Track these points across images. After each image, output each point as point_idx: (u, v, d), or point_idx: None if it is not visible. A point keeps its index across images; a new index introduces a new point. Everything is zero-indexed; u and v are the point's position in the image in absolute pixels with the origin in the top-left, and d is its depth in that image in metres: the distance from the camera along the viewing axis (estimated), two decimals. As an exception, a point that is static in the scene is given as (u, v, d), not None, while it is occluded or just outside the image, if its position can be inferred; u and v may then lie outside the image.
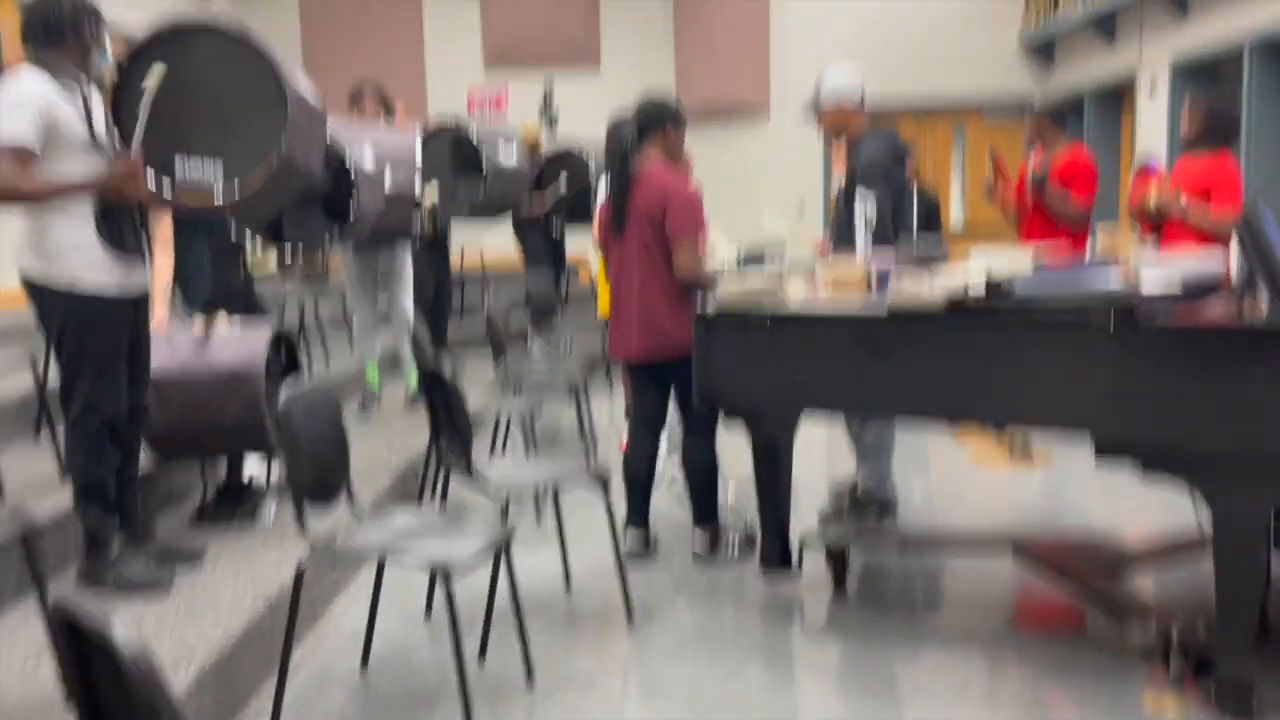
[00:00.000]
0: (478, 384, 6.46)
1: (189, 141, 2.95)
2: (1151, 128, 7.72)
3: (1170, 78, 7.41)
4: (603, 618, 3.48)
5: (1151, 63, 7.71)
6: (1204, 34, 7.00)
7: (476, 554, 2.64)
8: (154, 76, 2.86)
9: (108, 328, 3.00)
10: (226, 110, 2.99)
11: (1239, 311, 2.63)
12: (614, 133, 3.84)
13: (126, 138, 2.93)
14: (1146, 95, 7.79)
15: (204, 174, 2.96)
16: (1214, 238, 4.15)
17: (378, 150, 4.55)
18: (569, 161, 7.59)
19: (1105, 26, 8.28)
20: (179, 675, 2.51)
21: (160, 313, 3.66)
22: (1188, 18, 7.16)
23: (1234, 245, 2.77)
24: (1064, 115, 5.41)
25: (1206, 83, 7.19)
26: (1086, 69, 8.86)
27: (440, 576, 2.54)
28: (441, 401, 3.27)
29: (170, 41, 2.99)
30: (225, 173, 2.96)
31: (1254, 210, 2.65)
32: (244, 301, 4.51)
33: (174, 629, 2.79)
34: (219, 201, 2.97)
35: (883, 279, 3.23)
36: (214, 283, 4.47)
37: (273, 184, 3.00)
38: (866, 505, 4.23)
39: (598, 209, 4.65)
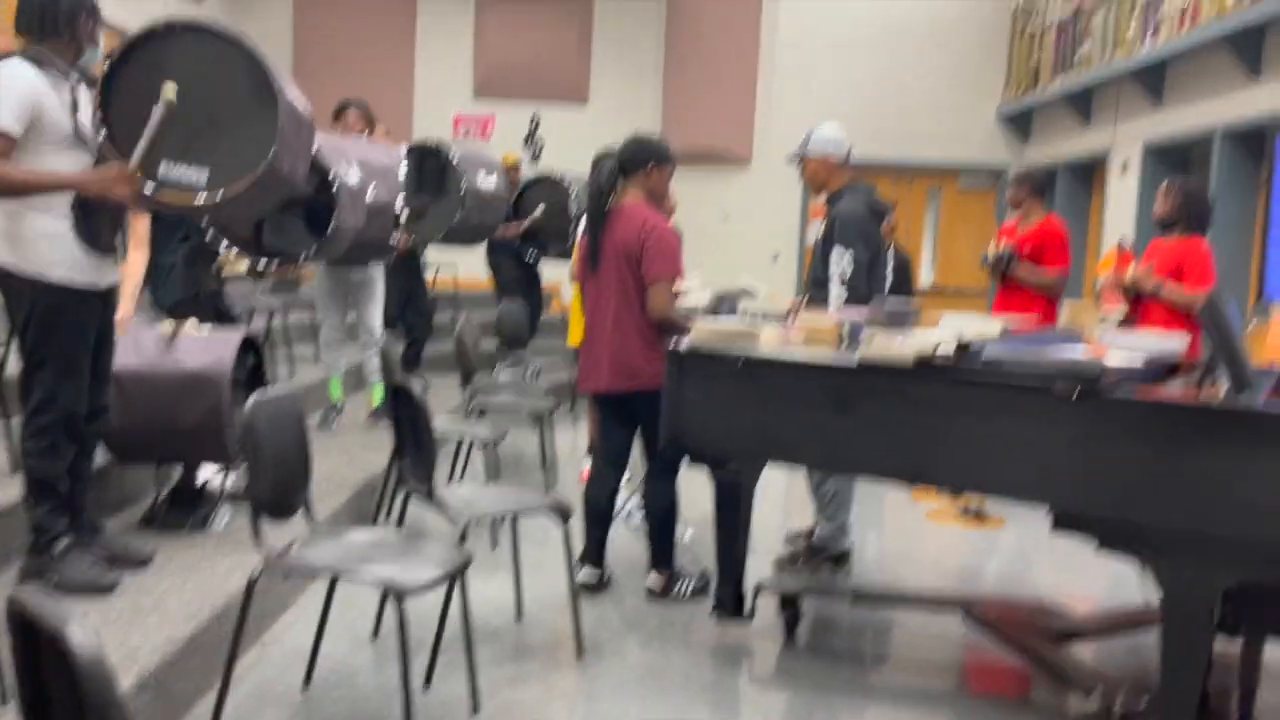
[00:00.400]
0: (443, 406, 6.44)
1: (176, 145, 2.92)
2: (1121, 204, 7.92)
3: (1142, 158, 7.61)
4: (552, 650, 3.46)
5: (1124, 143, 7.92)
6: (1176, 120, 7.21)
7: (432, 579, 2.62)
8: (167, 95, 2.83)
9: (74, 321, 2.96)
10: (216, 114, 2.95)
11: (1198, 392, 2.70)
12: (596, 167, 3.88)
13: (115, 138, 2.90)
14: (1118, 173, 7.99)
15: (188, 177, 2.93)
16: (1186, 317, 4.27)
17: (364, 165, 4.55)
18: (549, 186, 7.62)
19: (1081, 106, 8.50)
20: (118, 680, 2.47)
21: (125, 310, 3.62)
22: (1161, 104, 7.38)
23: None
24: (1043, 186, 5.56)
25: (1177, 165, 7.39)
26: (1061, 144, 9.08)
27: (392, 599, 2.52)
28: (407, 419, 3.25)
29: (164, 39, 2.95)
30: (210, 179, 2.94)
31: (1216, 296, 2.73)
32: (214, 307, 4.46)
33: (117, 632, 2.74)
34: (201, 205, 2.95)
35: (854, 333, 3.28)
36: (185, 286, 4.41)
37: (256, 191, 2.99)
38: (822, 555, 4.26)
39: (578, 242, 4.68)
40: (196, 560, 3.37)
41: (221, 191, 2.93)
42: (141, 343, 3.57)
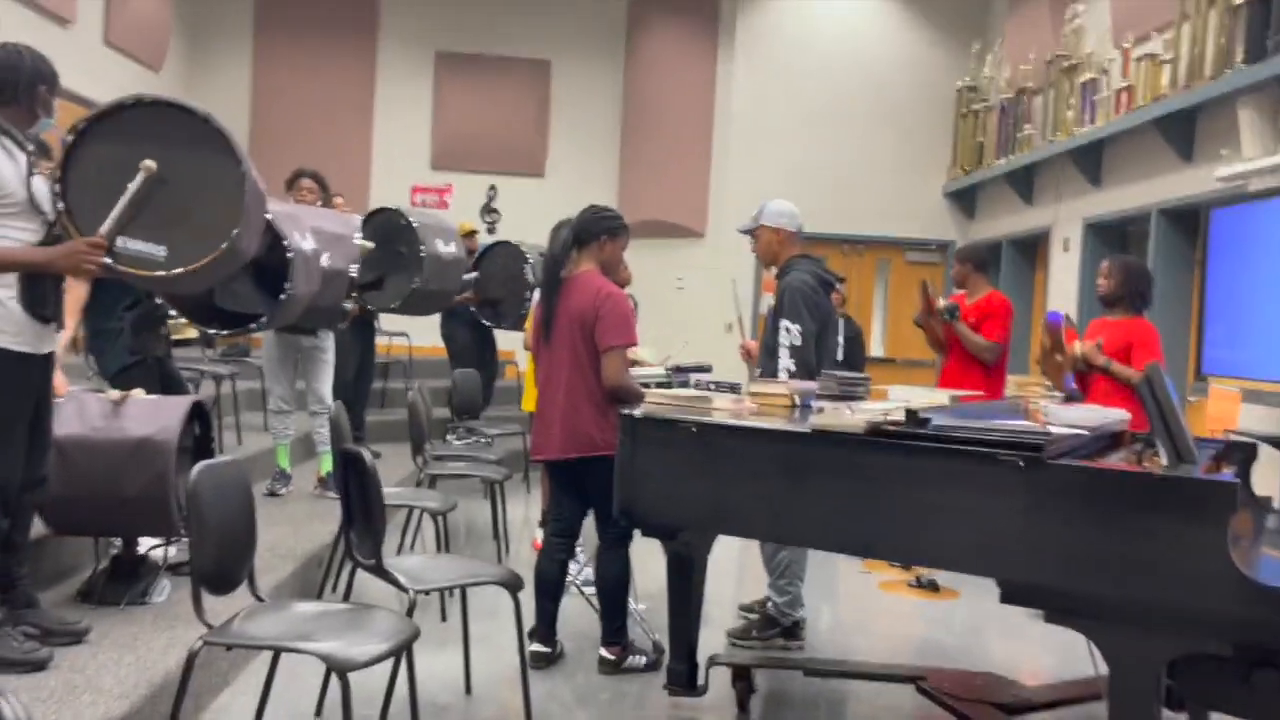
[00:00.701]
0: (394, 475, 6.36)
1: (136, 222, 2.89)
2: (1064, 280, 8.13)
3: (1082, 235, 7.85)
4: (501, 727, 3.39)
5: (1065, 220, 8.17)
6: (1114, 199, 7.47)
7: (378, 654, 2.56)
8: (142, 174, 2.82)
9: (15, 388, 2.91)
10: (178, 188, 2.92)
11: (1139, 463, 2.76)
12: (553, 237, 3.92)
13: (72, 209, 2.87)
14: (1060, 249, 8.23)
15: (147, 251, 2.91)
16: (1132, 395, 4.36)
17: (317, 233, 4.55)
18: (505, 253, 7.62)
19: (1023, 184, 8.78)
20: (47, 761, 2.38)
21: (58, 377, 3.56)
22: (1100, 183, 7.64)
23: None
24: (985, 261, 5.72)
25: (1116, 242, 7.64)
26: (1005, 221, 9.34)
27: (338, 675, 2.46)
28: (356, 488, 3.21)
29: (131, 112, 2.95)
30: (169, 256, 2.91)
31: (1155, 371, 2.81)
32: (161, 373, 4.40)
33: (49, 710, 2.65)
34: (158, 278, 2.93)
35: (806, 403, 3.32)
36: (131, 352, 4.35)
37: (214, 265, 2.98)
38: (775, 627, 4.24)
39: (532, 310, 4.70)
40: (134, 635, 3.27)
41: (181, 269, 2.91)
42: (86, 409, 3.50)
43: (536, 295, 5.02)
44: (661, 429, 3.26)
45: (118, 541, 3.74)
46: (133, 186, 2.81)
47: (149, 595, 3.62)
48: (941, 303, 5.45)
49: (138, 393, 3.66)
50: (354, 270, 4.92)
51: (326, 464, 5.59)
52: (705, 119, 10.30)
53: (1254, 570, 2.38)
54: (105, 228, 2.81)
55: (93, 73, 8.09)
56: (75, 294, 3.86)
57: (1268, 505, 3.25)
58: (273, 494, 5.50)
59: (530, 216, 10.17)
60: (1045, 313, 5.09)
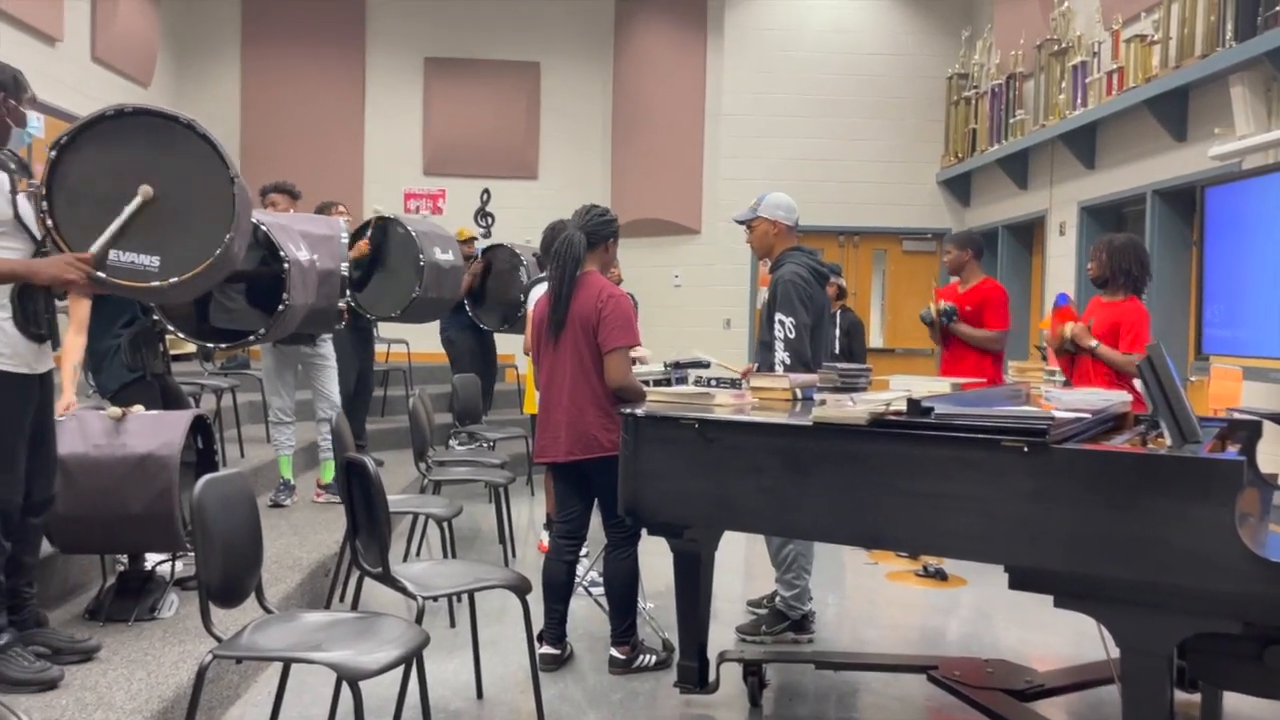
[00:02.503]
0: (398, 482, 6.36)
1: (127, 234, 2.88)
2: (1061, 264, 8.13)
3: (1078, 218, 7.85)
4: (514, 730, 3.39)
5: (1060, 204, 8.17)
6: (1108, 181, 7.46)
7: (388, 661, 2.56)
8: (139, 199, 2.81)
9: (12, 408, 2.90)
10: (167, 198, 2.92)
11: (1143, 445, 2.75)
12: (564, 240, 3.83)
13: (59, 223, 2.86)
14: (1056, 233, 8.22)
15: (140, 263, 2.90)
16: (1119, 378, 4.36)
17: (306, 237, 4.53)
18: (502, 255, 7.78)
19: (1017, 170, 8.77)
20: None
21: (68, 397, 3.56)
22: (1094, 166, 7.64)
23: (1139, 385, 2.90)
24: (980, 248, 5.72)
25: (1111, 224, 7.63)
26: (1000, 206, 9.33)
27: (349, 684, 2.45)
28: (361, 496, 3.20)
29: (114, 122, 2.93)
30: (162, 266, 2.90)
31: (1157, 351, 2.80)
32: (161, 389, 4.39)
33: (59, 730, 2.64)
34: (152, 289, 2.92)
35: (808, 395, 3.31)
36: (130, 369, 4.35)
37: (206, 274, 2.97)
38: (784, 620, 4.23)
39: (531, 313, 4.69)
40: (144, 650, 3.27)
41: (175, 278, 2.90)
42: (88, 427, 3.49)
43: (534, 297, 5.02)
44: (664, 427, 3.26)
45: (124, 558, 3.74)
46: (129, 209, 2.80)
47: (157, 610, 3.62)
48: (940, 306, 5.46)
49: (138, 409, 3.65)
50: (344, 269, 4.91)
51: (328, 472, 5.59)
52: (696, 115, 10.28)
53: (1262, 548, 2.38)
54: (96, 247, 2.79)
55: (82, 89, 8.09)
56: (79, 311, 3.85)
57: (1273, 482, 3.24)
58: (277, 505, 5.50)
59: (524, 219, 10.20)
60: (1047, 297, 5.12)
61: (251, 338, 4.25)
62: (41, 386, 3.03)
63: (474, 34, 10.72)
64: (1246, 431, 3.40)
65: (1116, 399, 3.29)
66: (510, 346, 8.57)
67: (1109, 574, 2.54)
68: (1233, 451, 3.00)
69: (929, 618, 4.79)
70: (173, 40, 10.22)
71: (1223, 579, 2.39)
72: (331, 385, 5.60)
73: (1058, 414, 2.79)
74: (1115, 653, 2.62)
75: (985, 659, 3.77)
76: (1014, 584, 2.71)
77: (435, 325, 7.88)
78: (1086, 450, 2.63)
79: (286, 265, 4.15)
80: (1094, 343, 4.47)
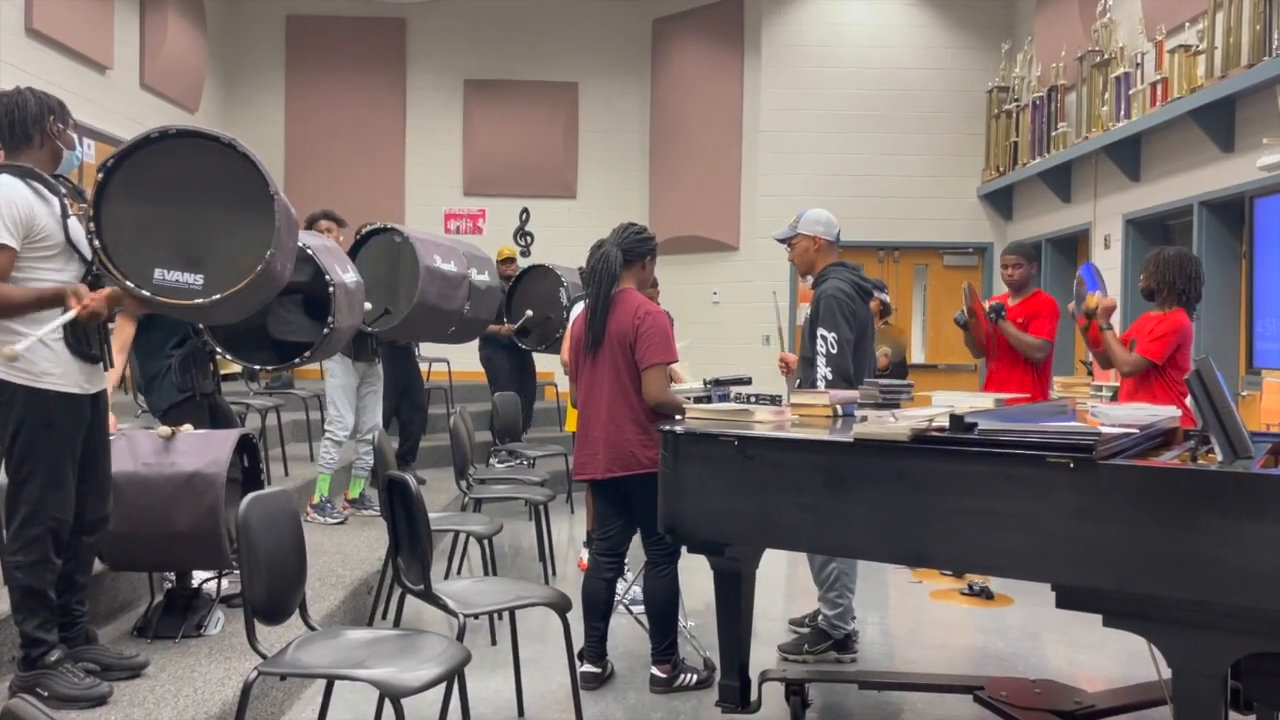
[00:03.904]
0: (439, 500, 6.40)
1: (171, 254, 2.94)
2: (1106, 276, 7.98)
3: (1123, 231, 7.74)
4: (555, 749, 3.38)
5: (1105, 217, 8.06)
6: (1154, 194, 7.35)
7: (430, 679, 2.57)
8: (71, 313, 2.82)
9: (65, 428, 2.95)
10: (211, 220, 2.97)
11: (1193, 461, 2.70)
12: (600, 257, 3.87)
13: (107, 246, 2.91)
14: (1101, 246, 8.11)
15: (184, 282, 2.95)
16: (1106, 369, 4.37)
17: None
18: (542, 275, 7.66)
19: (1060, 183, 8.67)
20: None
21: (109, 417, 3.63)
22: (1139, 178, 7.53)
23: (1189, 402, 2.85)
24: (1036, 259, 5.67)
25: (1158, 237, 7.51)
26: (1043, 220, 9.23)
27: (391, 701, 2.47)
28: (403, 515, 3.23)
29: (158, 145, 2.99)
30: (206, 284, 2.95)
31: (1206, 365, 2.75)
32: (210, 408, 4.46)
33: (108, 745, 2.68)
34: (197, 307, 2.97)
35: (849, 412, 3.29)
36: (180, 389, 4.42)
37: (249, 291, 3.01)
38: (827, 640, 4.19)
39: (569, 330, 4.71)
40: (191, 667, 3.31)
41: (219, 294, 2.94)
42: (137, 446, 3.56)
43: (573, 314, 5.04)
44: (703, 444, 3.25)
45: (172, 575, 3.79)
46: (61, 320, 2.82)
47: (204, 627, 3.67)
48: (986, 304, 5.41)
49: (186, 428, 3.71)
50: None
51: (357, 488, 5.79)
52: (734, 132, 10.29)
53: (1318, 566, 2.32)
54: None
55: (131, 116, 8.29)
56: (123, 333, 3.92)
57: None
58: (324, 518, 5.60)
59: (563, 238, 10.27)
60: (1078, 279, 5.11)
61: (298, 360, 4.30)
62: (94, 406, 3.09)
63: (513, 56, 10.84)
64: (1300, 447, 3.32)
65: (1164, 414, 3.24)
66: (550, 364, 8.61)
67: (1159, 592, 2.49)
68: (1286, 467, 2.93)
69: (974, 637, 4.72)
70: (220, 67, 10.44)
71: (1277, 597, 2.33)
72: (378, 406, 5.72)
73: (1104, 430, 2.75)
74: (1166, 673, 2.57)
75: (1033, 679, 3.70)
76: (1061, 603, 2.67)
77: (474, 345, 7.93)
78: (1134, 466, 2.59)
79: (332, 289, 4.20)
80: (1107, 323, 4.47)
